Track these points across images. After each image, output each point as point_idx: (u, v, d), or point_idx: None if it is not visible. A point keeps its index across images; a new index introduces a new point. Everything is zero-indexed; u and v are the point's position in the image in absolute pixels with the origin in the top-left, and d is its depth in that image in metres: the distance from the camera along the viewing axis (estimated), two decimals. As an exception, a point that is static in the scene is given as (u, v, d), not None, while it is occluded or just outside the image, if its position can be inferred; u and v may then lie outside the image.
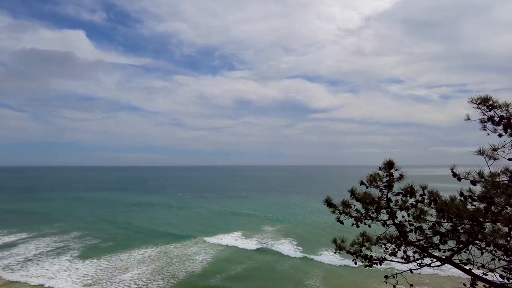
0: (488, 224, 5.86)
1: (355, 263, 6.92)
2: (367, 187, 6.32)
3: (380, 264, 6.70)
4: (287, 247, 36.44)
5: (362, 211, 6.83)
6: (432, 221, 6.62)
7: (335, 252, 7.27)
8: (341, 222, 6.68)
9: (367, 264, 6.77)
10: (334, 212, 6.84)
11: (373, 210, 6.70)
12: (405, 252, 7.01)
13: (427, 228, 6.75)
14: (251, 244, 37.98)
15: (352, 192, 6.53)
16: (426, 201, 6.15)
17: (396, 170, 5.95)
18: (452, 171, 5.61)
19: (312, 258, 32.20)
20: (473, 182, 5.63)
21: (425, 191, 6.13)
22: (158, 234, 43.94)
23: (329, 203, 6.85)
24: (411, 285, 7.05)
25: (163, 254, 34.43)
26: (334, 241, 7.26)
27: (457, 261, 6.41)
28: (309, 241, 39.20)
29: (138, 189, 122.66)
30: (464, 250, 6.37)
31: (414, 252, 6.75)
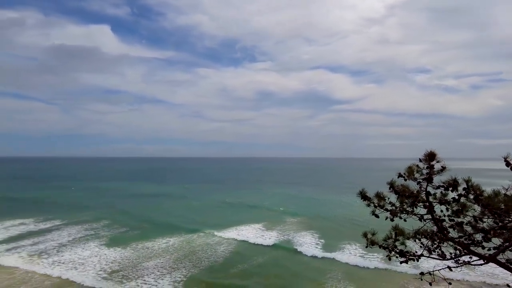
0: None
1: (389, 259, 6.64)
2: (405, 180, 6.01)
3: (417, 260, 6.39)
4: (303, 243, 35.20)
5: (397, 204, 6.53)
6: (472, 217, 6.24)
7: (366, 247, 7.02)
8: (377, 216, 6.41)
9: (402, 260, 6.48)
10: (369, 205, 6.57)
11: (409, 204, 6.39)
12: (440, 248, 6.66)
13: (467, 224, 6.36)
14: (266, 238, 37.22)
15: (391, 185, 6.23)
16: (471, 196, 5.76)
17: (437, 162, 5.60)
18: (506, 161, 5.18)
19: (330, 256, 30.56)
20: None
21: (469, 185, 5.74)
22: (179, 224, 44.86)
23: (363, 195, 6.59)
24: (450, 283, 6.72)
25: (186, 243, 35.17)
26: (365, 235, 7.00)
27: (503, 260, 6.01)
28: (328, 237, 37.73)
29: (160, 180, 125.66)
30: (510, 248, 5.96)
31: (455, 249, 6.39)
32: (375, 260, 28.92)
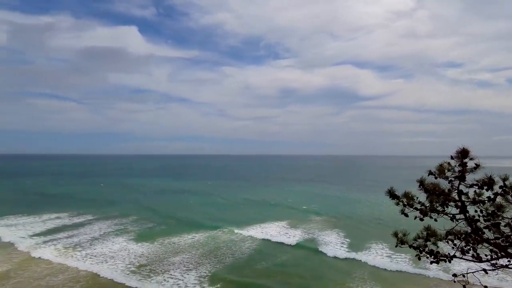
0: None
1: (419, 259, 6.44)
2: (435, 178, 5.79)
3: (449, 262, 6.14)
4: (327, 242, 34.44)
5: (427, 203, 6.31)
6: (511, 218, 5.91)
7: (396, 246, 6.82)
8: (406, 215, 6.21)
9: (433, 260, 6.24)
10: (398, 204, 6.37)
11: (440, 203, 6.15)
12: (475, 250, 6.36)
13: (504, 225, 6.04)
14: (290, 236, 36.92)
15: (421, 183, 6.01)
16: (510, 196, 5.46)
17: (471, 159, 5.35)
18: None
19: (355, 257, 29.55)
20: None
21: (507, 183, 5.44)
22: (204, 221, 45.62)
23: (392, 194, 6.40)
24: (485, 286, 6.43)
25: (211, 239, 35.74)
26: (395, 234, 6.79)
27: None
28: (353, 236, 36.78)
29: (185, 177, 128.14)
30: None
31: (490, 251, 6.09)
32: (402, 261, 28.07)
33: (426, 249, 6.36)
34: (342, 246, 33.04)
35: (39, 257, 29.46)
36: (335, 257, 29.78)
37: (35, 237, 36.03)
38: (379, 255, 29.95)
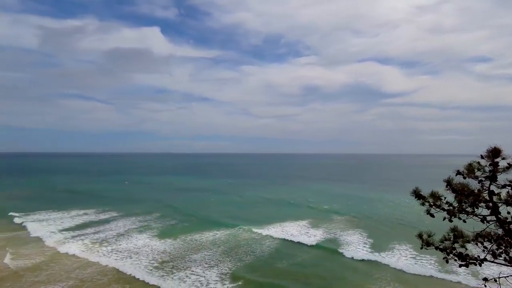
0: None
1: (447, 261, 6.16)
2: (464, 178, 5.52)
3: (480, 265, 5.84)
4: (349, 243, 33.63)
5: (455, 204, 6.03)
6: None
7: (421, 248, 6.56)
8: (432, 215, 5.96)
9: (462, 263, 5.95)
10: (423, 204, 6.11)
11: (469, 204, 5.86)
12: (508, 253, 6.02)
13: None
14: (311, 236, 36.51)
15: (449, 182, 5.74)
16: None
17: (503, 158, 5.06)
18: None
19: (377, 259, 28.47)
20: None
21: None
22: (225, 219, 46.02)
23: (417, 194, 6.14)
24: (519, 292, 6.06)
25: (232, 237, 36.00)
26: (420, 235, 6.52)
27: None
28: (375, 237, 35.86)
29: (206, 175, 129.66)
30: None
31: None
32: (427, 263, 27.14)
33: (454, 252, 6.08)
34: (364, 247, 32.19)
35: (69, 251, 30.73)
36: (356, 259, 28.95)
37: (64, 232, 37.62)
38: (402, 257, 29.06)
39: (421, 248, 6.53)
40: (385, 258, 28.86)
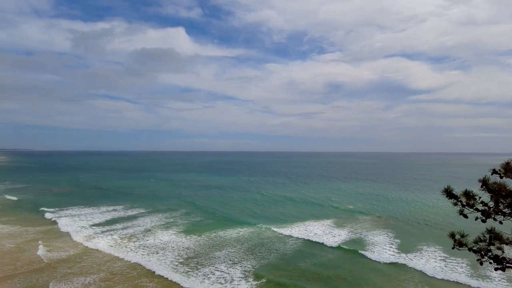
0: None
1: (481, 264, 5.89)
2: (501, 177, 5.24)
3: (517, 269, 5.53)
4: (374, 244, 32.56)
5: (490, 204, 5.74)
6: None
7: (453, 248, 6.31)
8: (465, 216, 5.70)
9: (498, 267, 5.66)
10: (455, 204, 5.86)
11: (506, 204, 5.56)
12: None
13: None
14: (336, 235, 35.87)
15: (484, 182, 5.47)
16: None
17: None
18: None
19: (404, 261, 27.24)
20: None
21: None
22: (249, 217, 46.29)
23: (449, 193, 5.89)
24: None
25: (255, 235, 36.14)
26: (452, 235, 6.26)
27: None
28: (402, 238, 34.61)
29: (230, 173, 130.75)
30: None
31: None
32: (459, 267, 25.94)
33: (489, 254, 5.79)
34: (389, 249, 31.15)
35: (99, 245, 32.02)
36: (381, 261, 27.91)
37: (94, 227, 39.22)
38: (431, 259, 27.97)
39: (453, 248, 6.27)
40: (412, 260, 27.86)
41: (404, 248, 31.13)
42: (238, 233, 37.00)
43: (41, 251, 30.31)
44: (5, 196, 63.90)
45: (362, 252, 30.02)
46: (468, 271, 24.92)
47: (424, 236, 35.61)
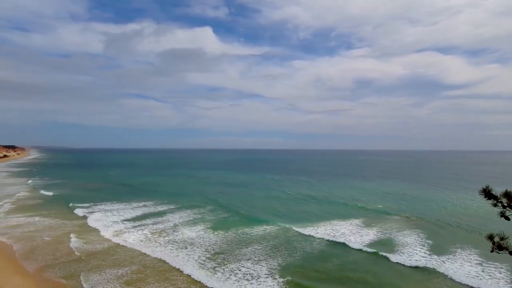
0: None
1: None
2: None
3: None
4: (400, 248, 30.84)
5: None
6: None
7: (491, 251, 5.98)
8: (507, 218, 5.38)
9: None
10: (495, 205, 5.53)
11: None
12: None
13: None
14: (363, 235, 34.95)
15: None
16: None
17: None
18: None
19: (433, 267, 25.52)
20: None
21: None
22: (276, 214, 46.29)
23: (488, 193, 5.57)
24: None
25: (281, 232, 36.10)
26: (491, 237, 5.92)
27: None
28: (432, 241, 32.80)
29: (255, 171, 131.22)
30: None
31: None
32: (497, 272, 24.41)
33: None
34: (419, 251, 29.69)
35: (130, 240, 33.33)
36: (410, 264, 26.45)
37: (125, 222, 40.80)
38: (466, 262, 26.50)
39: (492, 252, 5.95)
40: (445, 263, 26.53)
41: (435, 250, 29.74)
42: (264, 230, 37.14)
43: (76, 243, 31.99)
44: (41, 191, 67.92)
45: (389, 254, 28.87)
46: (508, 276, 23.48)
47: (457, 238, 33.91)
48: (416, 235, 34.76)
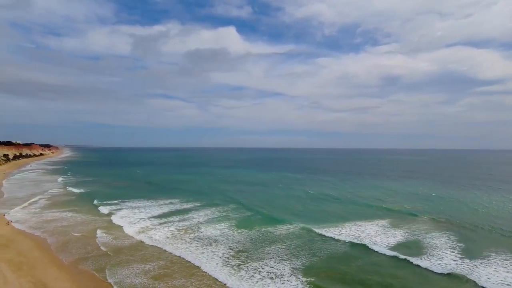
0: None
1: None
2: None
3: None
4: (427, 251, 29.53)
5: None
6: None
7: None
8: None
9: None
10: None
11: None
12: None
13: None
14: (390, 237, 34.13)
15: None
16: None
17: None
18: None
19: (462, 273, 24.16)
20: None
21: None
22: (300, 213, 46.07)
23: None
24: None
25: (305, 232, 35.90)
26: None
27: None
28: (461, 244, 31.56)
29: (277, 169, 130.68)
30: None
31: None
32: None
33: None
34: (448, 256, 28.36)
35: (157, 236, 34.35)
36: (438, 270, 25.16)
37: (152, 219, 42.05)
38: (501, 267, 25.24)
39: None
40: (478, 268, 25.34)
41: (467, 254, 28.47)
42: (287, 230, 37.11)
43: (105, 239, 33.41)
44: (72, 188, 71.18)
45: (416, 257, 27.89)
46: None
47: (491, 242, 32.31)
48: (446, 238, 33.41)
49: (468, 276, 23.75)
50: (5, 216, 42.97)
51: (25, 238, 33.57)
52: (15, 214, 44.85)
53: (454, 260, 27.05)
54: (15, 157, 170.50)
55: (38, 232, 35.84)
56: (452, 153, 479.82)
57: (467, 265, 26.01)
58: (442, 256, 28.04)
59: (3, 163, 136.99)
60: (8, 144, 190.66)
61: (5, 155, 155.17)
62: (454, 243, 31.84)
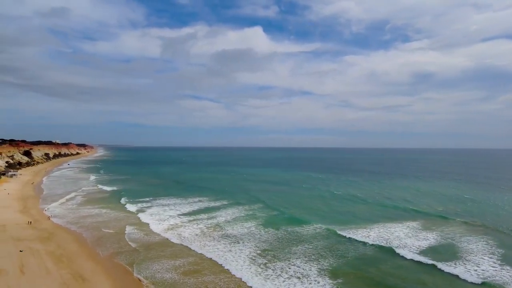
0: None
1: None
2: None
3: None
4: (463, 256, 28.06)
5: None
6: None
7: None
8: None
9: None
10: None
11: None
12: None
13: None
14: (421, 239, 32.79)
15: None
16: None
17: None
18: None
19: (501, 283, 22.61)
20: None
21: None
22: (326, 213, 45.47)
23: None
24: None
25: (332, 234, 35.38)
26: None
27: None
28: (497, 250, 29.85)
29: (306, 169, 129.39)
30: None
31: None
32: None
33: None
34: (487, 262, 26.81)
35: (186, 234, 35.25)
36: (472, 280, 23.51)
37: (181, 216, 43.19)
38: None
39: None
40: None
41: (507, 261, 26.75)
42: (314, 230, 36.77)
43: (136, 235, 34.72)
44: (105, 187, 74.29)
45: (448, 262, 26.71)
46: None
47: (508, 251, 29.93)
48: (484, 242, 31.49)
49: (506, 287, 22.27)
50: (45, 212, 45.77)
51: (64, 232, 35.60)
52: (54, 209, 47.68)
53: (493, 267, 25.53)
54: (55, 156, 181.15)
55: (75, 227, 37.88)
56: (490, 152, 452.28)
57: (507, 272, 24.49)
58: (479, 262, 26.48)
59: (44, 161, 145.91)
60: (49, 143, 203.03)
61: (46, 154, 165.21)
62: (493, 248, 30.00)
